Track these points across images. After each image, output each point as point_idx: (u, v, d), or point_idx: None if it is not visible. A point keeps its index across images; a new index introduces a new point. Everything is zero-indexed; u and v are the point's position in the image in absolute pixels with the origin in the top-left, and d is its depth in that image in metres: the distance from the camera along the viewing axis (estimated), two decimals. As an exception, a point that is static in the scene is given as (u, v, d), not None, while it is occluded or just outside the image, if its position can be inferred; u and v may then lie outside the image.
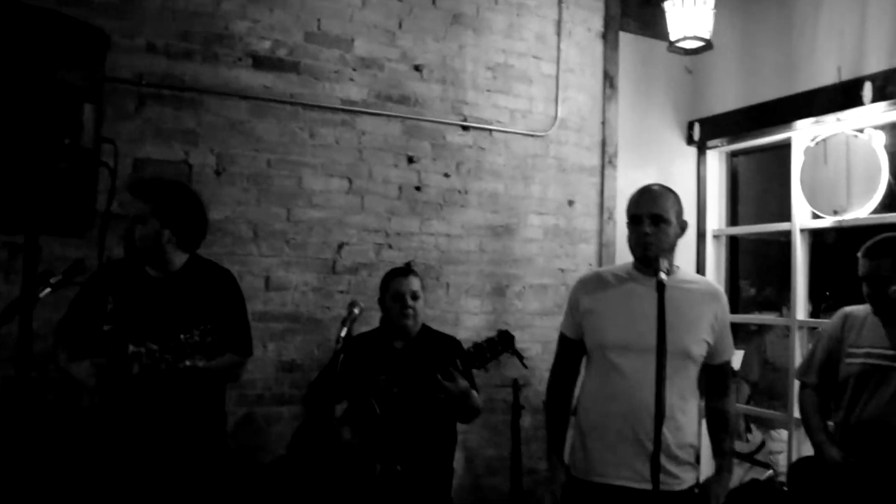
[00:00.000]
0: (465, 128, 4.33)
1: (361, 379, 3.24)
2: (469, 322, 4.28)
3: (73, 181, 3.25)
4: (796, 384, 3.46)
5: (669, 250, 2.58)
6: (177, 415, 2.89)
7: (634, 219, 2.58)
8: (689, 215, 4.88)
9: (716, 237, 5.04)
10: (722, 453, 2.72)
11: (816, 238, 4.58)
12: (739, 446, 8.06)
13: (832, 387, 3.11)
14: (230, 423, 3.75)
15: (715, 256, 5.04)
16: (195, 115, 3.75)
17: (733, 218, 5.14)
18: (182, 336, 2.70)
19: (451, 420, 3.30)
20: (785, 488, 3.57)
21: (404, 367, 3.14)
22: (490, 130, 4.40)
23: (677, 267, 2.69)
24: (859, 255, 3.00)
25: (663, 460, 2.41)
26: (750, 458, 7.13)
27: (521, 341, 4.28)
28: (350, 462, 3.15)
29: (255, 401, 3.85)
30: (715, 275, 5.02)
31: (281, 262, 3.90)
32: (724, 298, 2.69)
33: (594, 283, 2.71)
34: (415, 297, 3.33)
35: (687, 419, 2.59)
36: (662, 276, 2.28)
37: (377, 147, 4.11)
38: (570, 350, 2.79)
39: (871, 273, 2.94)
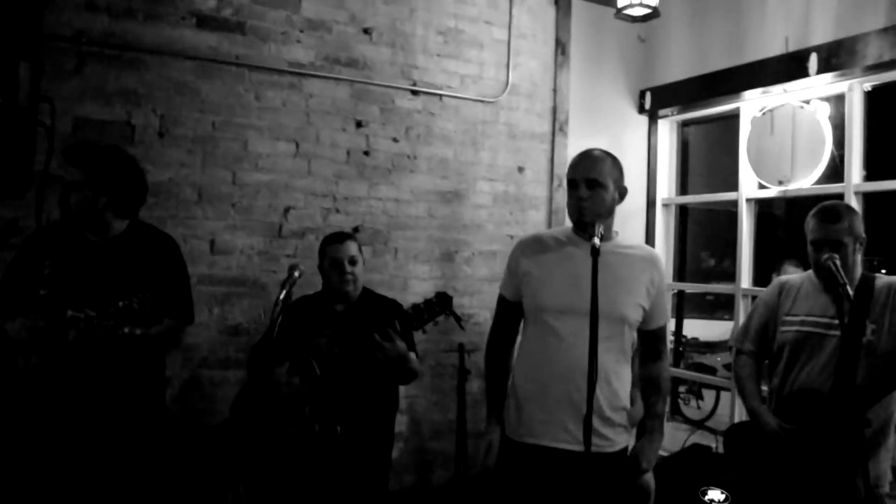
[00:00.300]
0: (414, 92, 4.30)
1: (302, 341, 3.25)
2: (418, 287, 4.29)
3: (8, 141, 3.21)
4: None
5: (606, 215, 2.57)
6: (114, 381, 2.87)
7: (571, 183, 2.59)
8: (639, 184, 5.02)
9: (665, 206, 5.09)
10: (653, 416, 2.77)
11: (765, 208, 4.65)
12: (690, 412, 8.25)
13: (767, 354, 3.14)
14: (174, 386, 3.77)
15: (664, 225, 5.09)
16: (137, 74, 3.68)
17: (683, 187, 5.19)
18: (120, 303, 2.67)
19: (391, 382, 3.31)
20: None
21: (345, 330, 3.14)
22: (440, 95, 4.38)
23: (616, 232, 2.70)
24: (813, 218, 2.95)
25: (596, 423, 2.45)
26: (700, 425, 7.27)
27: (470, 307, 4.37)
28: (288, 423, 3.17)
29: (200, 364, 3.84)
30: (664, 243, 5.09)
31: (226, 226, 3.87)
32: (661, 264, 2.71)
33: (534, 246, 2.71)
34: (352, 261, 3.32)
35: (621, 383, 2.62)
36: (596, 241, 2.30)
37: (325, 111, 4.07)
38: (509, 311, 2.80)
39: (824, 237, 2.89)
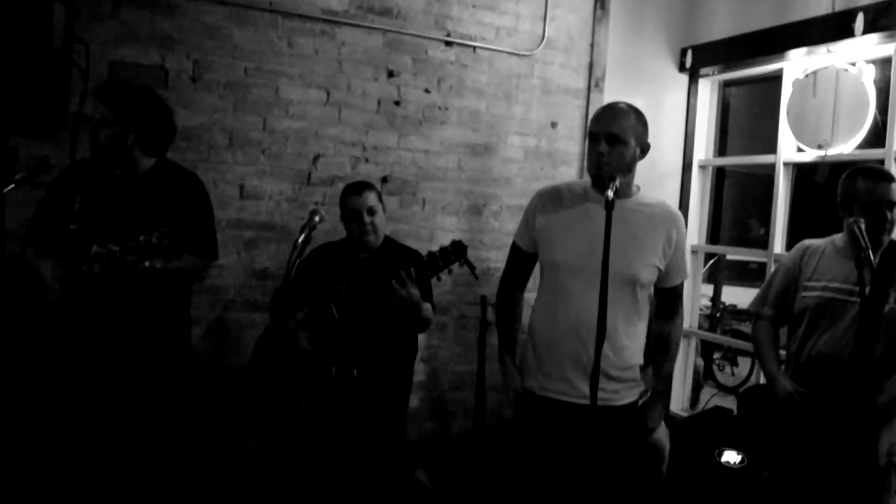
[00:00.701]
0: (448, 43, 4.27)
1: (323, 286, 3.30)
2: (444, 239, 4.23)
3: (43, 82, 3.28)
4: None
5: (625, 171, 2.53)
6: (138, 315, 2.95)
7: (592, 136, 2.56)
8: (676, 144, 4.93)
9: (702, 167, 5.00)
10: (659, 377, 2.77)
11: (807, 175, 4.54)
12: (724, 378, 8.19)
13: (787, 320, 3.09)
14: (201, 326, 3.86)
15: (700, 187, 5.01)
16: (172, 19, 3.72)
17: (722, 149, 5.09)
18: (142, 237, 2.74)
19: (406, 329, 3.34)
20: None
21: (366, 277, 3.18)
22: (474, 47, 4.34)
23: (637, 187, 2.67)
24: (866, 178, 2.83)
25: (604, 381, 2.47)
26: (735, 392, 7.22)
27: (496, 261, 4.37)
28: (306, 366, 3.24)
29: (226, 306, 3.93)
30: (699, 206, 5.00)
31: (256, 171, 3.93)
32: (681, 222, 2.67)
33: (552, 200, 2.70)
34: (371, 212, 3.32)
35: (631, 341, 2.63)
36: (609, 194, 2.26)
37: (357, 59, 4.07)
38: (522, 260, 2.82)
39: (883, 197, 2.79)
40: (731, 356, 8.41)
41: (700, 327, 8.12)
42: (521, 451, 2.77)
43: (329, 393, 3.24)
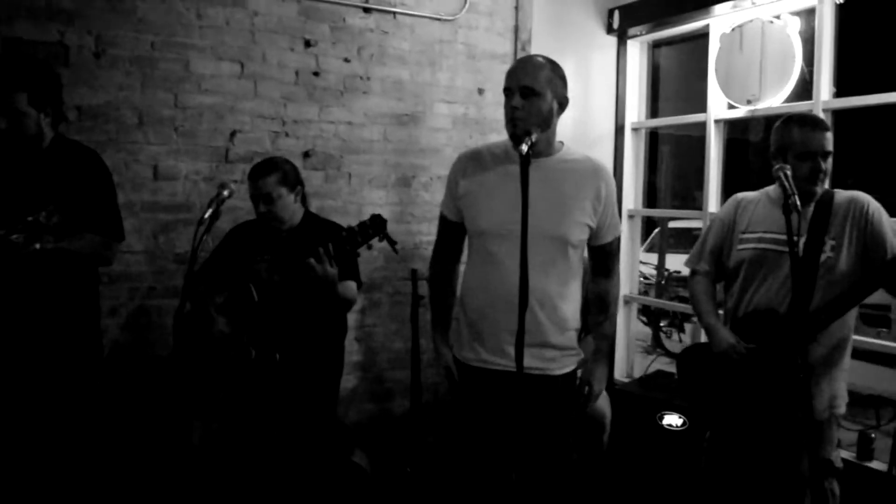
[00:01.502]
0: (366, 10, 4.10)
1: (242, 265, 3.15)
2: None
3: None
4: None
5: (543, 126, 2.42)
6: (36, 303, 2.78)
7: (506, 92, 2.44)
8: (608, 108, 4.86)
9: (635, 130, 4.94)
10: (601, 336, 2.68)
11: (739, 135, 4.50)
12: (672, 346, 8.23)
13: (723, 274, 3.03)
14: (122, 316, 3.69)
15: (634, 150, 4.95)
16: (69, -9, 3.51)
17: (654, 111, 5.03)
18: (29, 217, 2.57)
19: (327, 309, 3.21)
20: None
21: (286, 255, 3.03)
22: (394, 13, 4.18)
23: (561, 143, 2.57)
24: (801, 127, 2.74)
25: (540, 349, 2.44)
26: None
27: (429, 233, 4.26)
28: (225, 350, 3.08)
29: (146, 294, 3.75)
30: (633, 169, 4.95)
31: (169, 151, 3.73)
32: (609, 175, 2.57)
33: (472, 164, 2.58)
34: (269, 200, 3.15)
35: (566, 304, 2.53)
36: (524, 147, 2.17)
37: (271, 29, 3.89)
38: (451, 231, 2.70)
39: (820, 147, 2.72)
40: (678, 323, 8.44)
41: (646, 295, 8.16)
42: (460, 424, 2.67)
43: (252, 378, 3.09)
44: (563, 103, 2.50)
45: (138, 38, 3.63)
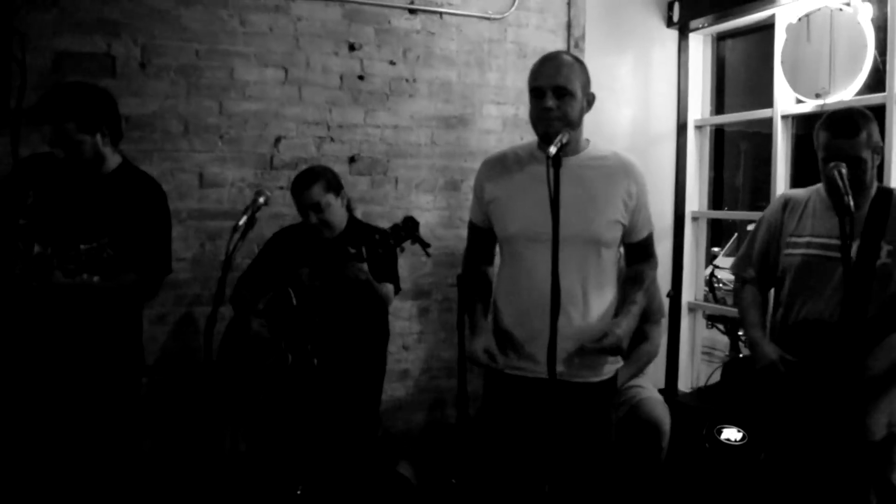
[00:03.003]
0: (411, 11, 4.04)
1: (284, 270, 3.15)
2: (421, 219, 3.91)
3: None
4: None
5: (575, 126, 2.35)
6: (79, 329, 2.75)
7: (536, 91, 2.35)
8: (669, 105, 4.66)
9: (698, 128, 4.72)
10: (630, 301, 2.50)
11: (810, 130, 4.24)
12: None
13: (772, 280, 2.85)
14: (168, 324, 3.72)
15: (697, 148, 4.73)
16: (116, 3, 3.54)
17: (720, 108, 4.80)
18: (82, 246, 2.58)
19: (364, 308, 3.16)
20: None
21: (329, 261, 3.02)
22: (440, 13, 4.10)
23: (587, 141, 2.48)
24: (826, 131, 2.59)
25: (576, 356, 2.34)
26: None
27: (479, 239, 4.13)
28: (263, 355, 3.07)
29: (193, 301, 3.77)
30: (696, 168, 4.73)
31: (215, 158, 3.75)
32: (638, 171, 2.45)
33: (498, 168, 2.53)
34: (318, 209, 3.17)
35: (603, 306, 2.43)
36: (553, 149, 2.11)
37: (315, 34, 3.86)
38: (481, 238, 2.64)
39: (839, 153, 2.55)
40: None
41: (724, 303, 7.85)
42: (496, 435, 2.57)
43: (289, 383, 3.07)
44: (590, 101, 2.43)
45: (183, 47, 3.66)
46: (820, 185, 2.73)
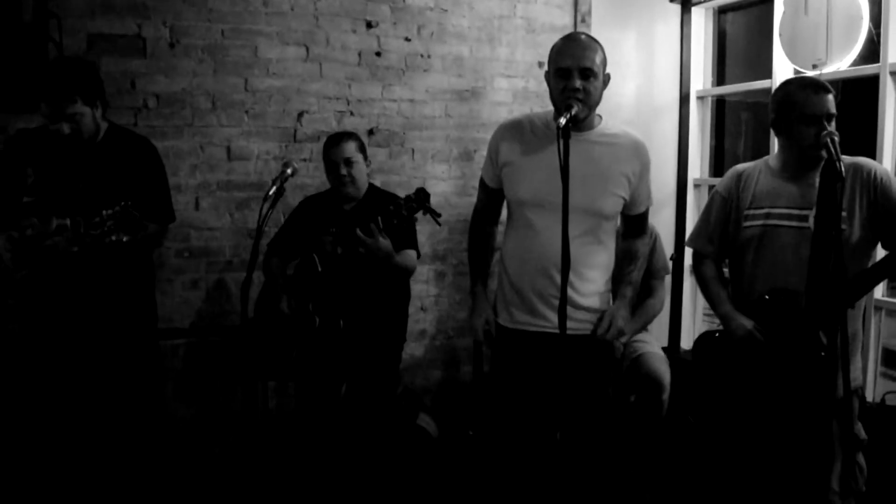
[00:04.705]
0: (425, -11, 4.22)
1: (309, 237, 3.35)
2: (437, 188, 4.30)
3: (16, 56, 3.34)
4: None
5: (594, 107, 2.53)
6: (107, 288, 2.99)
7: (563, 72, 2.46)
8: (672, 77, 4.83)
9: (700, 98, 4.89)
10: (626, 282, 2.76)
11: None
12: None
13: (727, 253, 2.92)
14: (202, 289, 3.95)
15: (699, 119, 4.91)
16: (145, -14, 3.74)
17: (720, 79, 4.97)
18: (105, 212, 2.73)
19: (385, 277, 3.37)
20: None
21: (350, 228, 3.21)
22: (452, -9, 4.28)
23: (599, 118, 2.64)
24: (804, 89, 2.60)
25: (572, 311, 2.50)
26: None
27: (491, 207, 4.34)
28: (289, 326, 3.29)
29: (224, 268, 4.00)
30: (699, 138, 4.91)
31: (241, 132, 3.96)
32: (645, 150, 2.64)
33: (512, 133, 2.68)
34: (348, 163, 3.35)
35: (598, 273, 2.65)
36: (562, 120, 2.25)
37: (333, 13, 4.05)
38: (490, 197, 2.83)
39: (826, 110, 2.56)
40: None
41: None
42: (502, 387, 2.80)
43: (317, 345, 3.29)
44: (606, 81, 2.56)
45: (210, 28, 3.85)
46: (767, 157, 2.84)
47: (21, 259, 2.81)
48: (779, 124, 2.68)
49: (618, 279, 2.76)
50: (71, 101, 2.83)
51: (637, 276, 2.81)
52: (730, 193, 2.86)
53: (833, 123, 2.57)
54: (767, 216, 2.72)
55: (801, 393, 2.61)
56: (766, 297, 2.69)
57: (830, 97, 2.58)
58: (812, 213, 2.59)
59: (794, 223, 2.65)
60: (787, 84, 2.71)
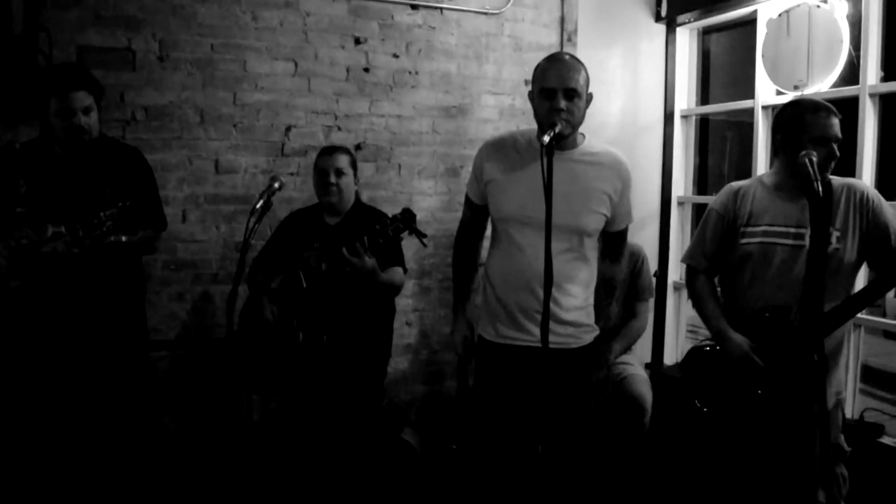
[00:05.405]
0: (413, 7, 4.26)
1: (293, 252, 3.36)
2: (423, 203, 4.34)
3: (7, 69, 3.35)
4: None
5: (578, 126, 2.57)
6: (104, 289, 3.01)
7: (548, 92, 2.49)
8: (657, 96, 4.89)
9: (684, 117, 4.96)
10: (606, 317, 2.87)
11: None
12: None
13: (720, 269, 2.94)
14: (188, 302, 3.95)
15: (683, 137, 4.97)
16: (136, 0, 3.76)
17: (704, 98, 5.04)
18: (102, 214, 2.76)
19: (371, 295, 3.38)
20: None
21: (334, 243, 3.22)
22: (441, 9, 4.32)
23: (582, 136, 2.67)
24: (816, 113, 2.63)
25: (555, 325, 2.54)
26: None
27: (477, 222, 4.37)
28: (273, 337, 3.30)
29: (211, 280, 4.01)
30: (683, 156, 4.97)
31: (229, 146, 3.98)
32: (627, 169, 2.67)
33: (497, 151, 2.71)
34: (339, 173, 3.37)
35: (580, 288, 2.68)
36: (546, 138, 2.28)
37: (322, 28, 4.08)
38: (475, 213, 2.86)
39: (837, 133, 2.62)
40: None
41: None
42: (484, 401, 2.82)
43: (301, 359, 3.30)
44: (589, 100, 2.60)
45: (199, 42, 3.88)
46: (762, 175, 2.89)
47: (16, 268, 2.82)
48: (785, 144, 2.71)
49: (597, 310, 2.79)
50: (82, 90, 2.91)
51: (615, 308, 2.86)
52: (726, 210, 2.87)
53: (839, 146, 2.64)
54: (765, 233, 2.75)
55: (789, 406, 2.64)
56: (767, 314, 2.71)
57: (838, 121, 2.64)
58: (808, 232, 2.63)
59: (790, 241, 2.69)
60: (796, 105, 2.74)
